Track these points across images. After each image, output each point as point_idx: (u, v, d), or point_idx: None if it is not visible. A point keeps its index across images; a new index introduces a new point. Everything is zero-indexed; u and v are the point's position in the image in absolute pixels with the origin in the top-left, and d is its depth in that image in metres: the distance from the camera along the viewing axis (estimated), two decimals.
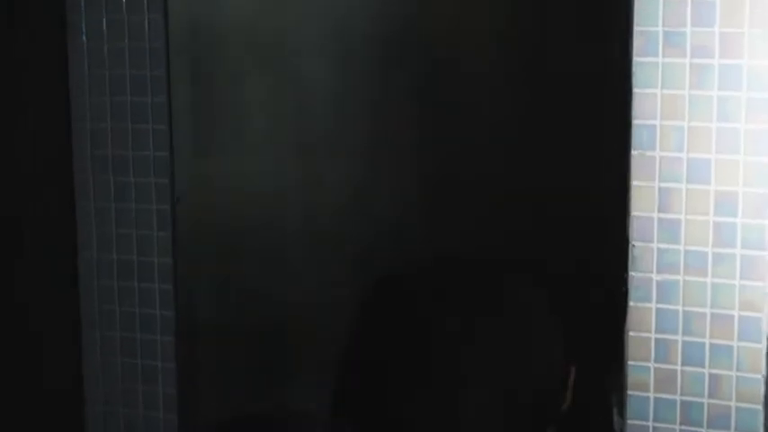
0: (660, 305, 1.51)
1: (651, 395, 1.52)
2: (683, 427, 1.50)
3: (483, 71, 1.80)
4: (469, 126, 1.81)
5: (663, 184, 1.49)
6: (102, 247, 1.85)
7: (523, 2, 1.71)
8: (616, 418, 1.54)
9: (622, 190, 1.50)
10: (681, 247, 1.49)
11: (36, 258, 1.87)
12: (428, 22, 1.85)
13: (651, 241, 1.50)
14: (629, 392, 1.53)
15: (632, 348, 1.52)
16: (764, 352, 1.46)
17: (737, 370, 1.47)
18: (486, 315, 1.30)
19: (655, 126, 1.48)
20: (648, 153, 1.49)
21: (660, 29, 1.47)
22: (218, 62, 2.29)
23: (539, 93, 1.70)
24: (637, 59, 1.48)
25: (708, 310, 1.49)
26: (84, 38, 1.81)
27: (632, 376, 1.52)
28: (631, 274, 1.51)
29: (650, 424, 1.52)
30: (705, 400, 1.49)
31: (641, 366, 1.52)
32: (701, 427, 1.49)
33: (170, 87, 1.78)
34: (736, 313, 1.47)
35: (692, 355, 1.49)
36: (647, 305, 1.51)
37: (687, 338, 1.50)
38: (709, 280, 1.48)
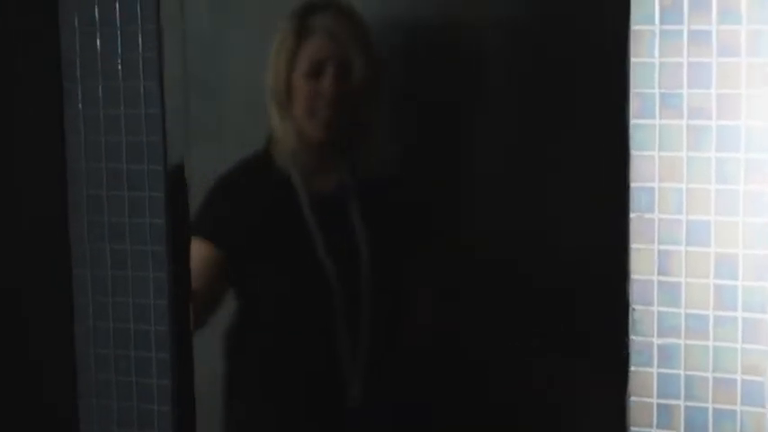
0: (662, 369, 1.49)
1: None
2: None
3: (480, 134, 1.79)
4: (467, 191, 1.80)
5: (662, 247, 1.47)
6: (99, 315, 1.84)
7: (521, 62, 1.70)
8: None
9: (622, 253, 1.49)
10: (681, 311, 1.47)
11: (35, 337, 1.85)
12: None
13: (651, 305, 1.48)
14: None
15: (634, 414, 1.50)
16: None
17: None
18: None
19: (653, 188, 1.47)
20: (647, 215, 1.48)
21: (657, 91, 1.46)
22: (217, 122, 2.28)
23: (536, 155, 1.69)
24: (634, 122, 1.47)
25: (710, 375, 1.47)
26: (80, 105, 1.81)
27: None
28: (632, 337, 1.49)
29: None
30: None
31: None
32: None
33: (166, 154, 1.78)
34: (738, 377, 1.45)
35: (695, 421, 1.47)
36: (649, 369, 1.49)
37: (690, 403, 1.48)
38: (710, 343, 1.46)
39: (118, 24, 1.79)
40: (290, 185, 2.55)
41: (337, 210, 2.56)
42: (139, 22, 1.79)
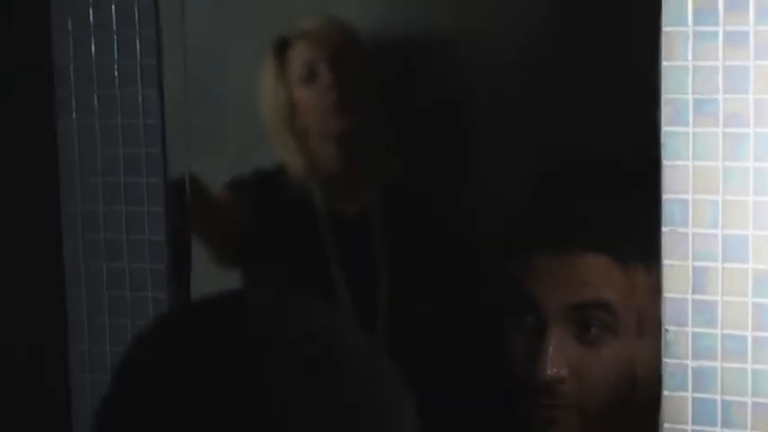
0: (696, 394, 1.41)
1: None
2: None
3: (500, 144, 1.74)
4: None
5: (697, 263, 1.40)
6: (95, 338, 1.79)
7: (542, 65, 1.65)
8: None
9: (654, 270, 1.42)
10: (718, 331, 1.40)
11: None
12: None
13: (686, 325, 1.41)
14: None
15: None
16: None
17: None
18: None
19: (687, 201, 1.40)
20: (680, 229, 1.41)
21: (690, 96, 1.39)
22: (219, 136, 2.25)
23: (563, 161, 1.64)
24: (666, 129, 1.40)
25: (749, 399, 1.39)
26: (74, 114, 1.77)
27: None
28: (665, 360, 1.42)
29: None
30: None
31: None
32: None
33: (166, 166, 1.74)
34: None
35: None
36: (683, 394, 1.42)
37: (727, 430, 1.40)
38: (749, 366, 1.39)
39: (114, 29, 1.75)
40: (309, 204, 2.51)
41: (358, 234, 2.52)
42: (137, 27, 1.75)
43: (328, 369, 0.91)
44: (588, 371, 1.50)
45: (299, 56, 2.46)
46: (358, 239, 2.45)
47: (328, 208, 2.50)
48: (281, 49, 2.40)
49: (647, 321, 1.49)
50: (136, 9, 1.74)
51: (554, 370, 1.49)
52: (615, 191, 1.54)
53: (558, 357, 1.49)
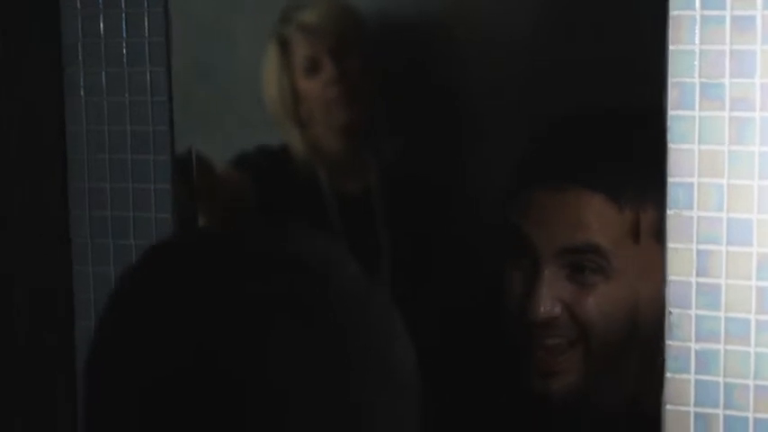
0: (699, 376, 1.42)
1: None
2: None
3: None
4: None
5: (701, 246, 1.40)
6: None
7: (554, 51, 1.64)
8: None
9: (651, 216, 1.43)
10: (721, 314, 1.40)
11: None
12: None
13: (689, 308, 1.42)
14: None
15: (670, 424, 1.43)
16: None
17: None
18: None
19: (692, 184, 1.40)
20: (685, 213, 1.40)
21: (697, 80, 1.39)
22: (226, 115, 2.24)
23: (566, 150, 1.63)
24: (672, 113, 1.40)
25: (751, 382, 1.39)
26: (82, 92, 1.76)
27: None
28: (668, 343, 1.42)
29: None
30: None
31: None
32: None
33: (173, 144, 1.73)
34: None
35: (735, 431, 1.40)
36: (686, 376, 1.42)
37: (729, 412, 1.40)
38: (752, 349, 1.39)
39: (123, 7, 1.74)
40: (314, 183, 2.51)
41: (363, 215, 2.52)
42: (146, 5, 1.73)
43: (320, 296, 0.90)
44: (583, 310, 1.51)
45: (302, 48, 2.45)
46: (362, 216, 2.45)
47: (332, 187, 2.50)
48: (284, 41, 2.40)
49: (644, 267, 1.50)
50: None
51: (546, 308, 1.50)
52: (614, 135, 1.55)
53: (549, 296, 1.50)
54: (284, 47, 2.45)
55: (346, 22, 2.49)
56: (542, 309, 1.50)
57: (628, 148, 1.52)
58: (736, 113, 1.38)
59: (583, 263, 1.50)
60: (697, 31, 1.39)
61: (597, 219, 1.51)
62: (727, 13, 1.37)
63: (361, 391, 0.88)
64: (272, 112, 2.48)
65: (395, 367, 0.91)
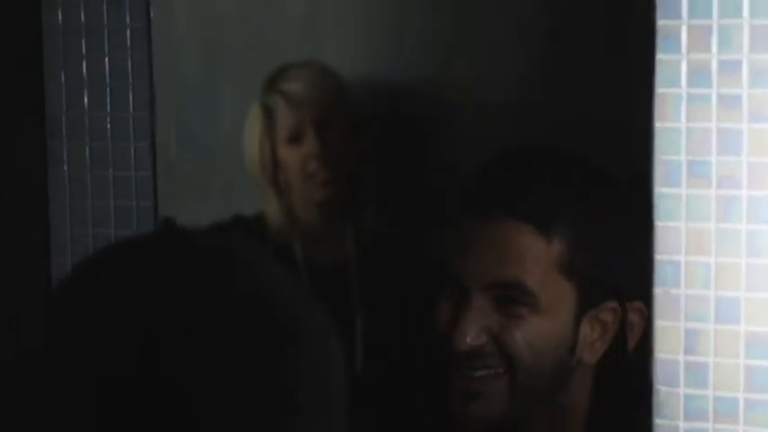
0: None
1: None
2: None
3: None
4: None
5: (689, 324, 1.39)
6: None
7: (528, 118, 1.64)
8: None
9: (646, 331, 1.42)
10: (709, 393, 1.39)
11: None
12: None
13: (677, 386, 1.40)
14: None
15: None
16: None
17: None
18: None
19: (679, 262, 1.39)
20: (673, 291, 1.40)
21: (684, 158, 1.39)
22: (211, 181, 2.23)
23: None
24: (659, 190, 1.39)
25: None
26: (65, 166, 1.76)
27: None
28: (657, 421, 1.41)
29: None
30: None
31: None
32: None
33: (157, 219, 1.73)
34: None
35: None
36: None
37: None
38: (741, 428, 1.38)
39: (107, 82, 1.74)
40: (288, 254, 2.49)
41: (337, 285, 2.50)
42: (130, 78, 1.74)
43: (258, 301, 0.91)
44: (511, 341, 1.49)
45: (285, 118, 2.45)
46: (335, 287, 2.44)
47: (306, 258, 2.49)
48: (268, 108, 2.40)
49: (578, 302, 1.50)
50: (129, 62, 1.73)
51: (471, 339, 1.48)
52: (551, 170, 1.55)
53: (475, 327, 1.49)
54: (268, 113, 2.45)
55: (331, 94, 2.48)
56: (468, 338, 1.48)
57: (562, 181, 1.53)
58: (723, 191, 1.37)
59: (510, 296, 1.49)
60: (683, 109, 1.39)
61: (525, 253, 1.49)
62: (714, 91, 1.38)
63: (300, 398, 0.90)
64: (251, 173, 2.48)
65: (329, 375, 0.93)
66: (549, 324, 1.50)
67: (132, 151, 1.74)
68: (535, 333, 1.49)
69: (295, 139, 2.45)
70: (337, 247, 2.51)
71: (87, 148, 1.75)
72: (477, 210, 1.52)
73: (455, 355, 1.50)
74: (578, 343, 1.52)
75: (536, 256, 1.49)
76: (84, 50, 1.74)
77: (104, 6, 1.74)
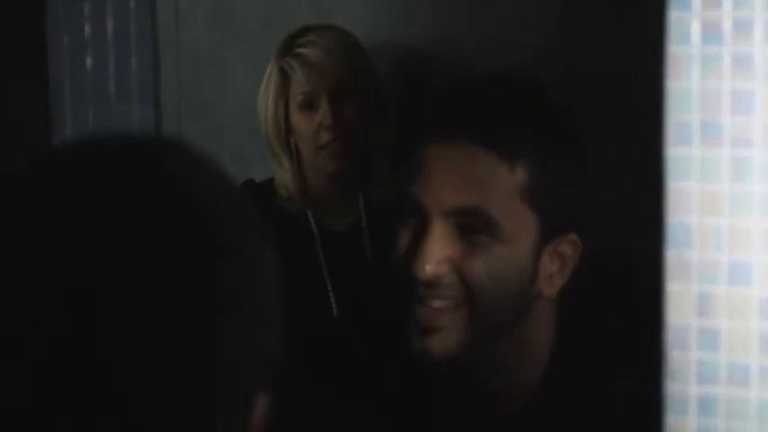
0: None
1: None
2: None
3: None
4: None
5: (702, 287, 1.38)
6: None
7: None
8: None
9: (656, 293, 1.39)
10: (722, 357, 1.38)
11: None
12: None
13: (689, 350, 1.38)
14: None
15: None
16: None
17: None
18: None
19: (691, 224, 1.38)
20: (685, 253, 1.38)
21: (696, 118, 1.36)
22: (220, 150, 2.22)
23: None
24: (671, 151, 1.37)
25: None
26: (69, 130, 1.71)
27: None
28: (669, 385, 1.39)
29: None
30: None
31: None
32: None
33: None
34: None
35: None
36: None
37: None
38: (754, 393, 1.36)
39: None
40: (303, 221, 2.47)
41: (350, 250, 2.49)
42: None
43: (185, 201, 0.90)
44: (471, 271, 1.47)
45: (300, 83, 2.42)
46: (347, 251, 2.43)
47: (318, 222, 2.48)
48: (284, 71, 2.37)
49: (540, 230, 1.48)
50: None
51: (431, 266, 1.46)
52: (514, 99, 1.54)
53: (436, 254, 1.46)
54: (284, 76, 2.42)
55: (349, 64, 2.44)
56: (428, 266, 1.46)
57: (525, 110, 1.51)
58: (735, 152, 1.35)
59: (471, 224, 1.47)
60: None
61: (487, 179, 1.47)
62: (727, 51, 1.35)
63: (227, 297, 0.90)
64: (264, 134, 2.46)
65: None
66: (511, 254, 1.48)
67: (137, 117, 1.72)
68: (496, 262, 1.47)
69: (309, 105, 2.43)
70: (349, 212, 2.51)
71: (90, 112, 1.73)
72: (440, 136, 1.50)
73: (415, 284, 1.48)
74: (538, 275, 1.50)
75: (499, 184, 1.47)
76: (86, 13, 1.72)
77: None
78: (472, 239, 1.47)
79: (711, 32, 1.35)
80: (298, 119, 2.41)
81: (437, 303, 1.47)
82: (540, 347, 1.54)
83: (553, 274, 1.51)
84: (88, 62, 1.72)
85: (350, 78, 2.43)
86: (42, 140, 1.73)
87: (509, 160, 1.46)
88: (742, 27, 1.34)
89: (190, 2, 2.65)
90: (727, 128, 1.35)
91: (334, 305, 2.43)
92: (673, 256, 1.38)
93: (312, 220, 2.46)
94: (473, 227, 1.46)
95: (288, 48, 2.43)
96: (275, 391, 0.94)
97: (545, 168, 1.48)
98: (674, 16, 1.35)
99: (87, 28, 1.71)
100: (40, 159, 0.93)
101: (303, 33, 2.44)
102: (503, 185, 1.46)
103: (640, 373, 1.46)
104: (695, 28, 1.35)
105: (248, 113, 2.56)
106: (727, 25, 1.34)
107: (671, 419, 1.39)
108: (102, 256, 0.84)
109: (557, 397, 1.53)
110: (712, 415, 1.38)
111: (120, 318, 0.84)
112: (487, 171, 1.46)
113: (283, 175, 2.45)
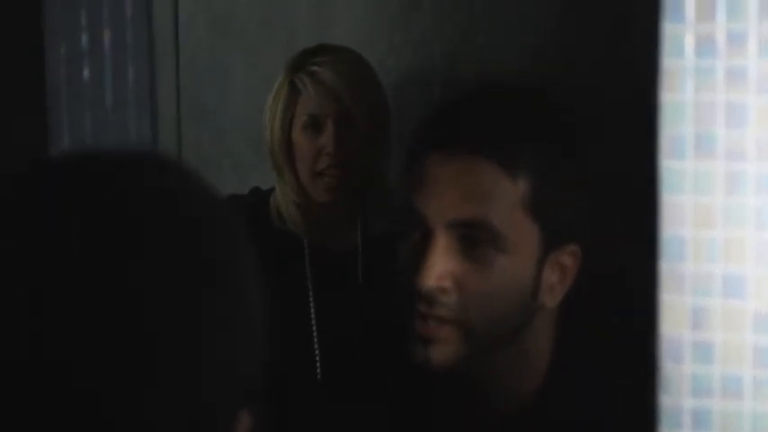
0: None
1: None
2: None
3: None
4: None
5: (695, 300, 1.38)
6: None
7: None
8: None
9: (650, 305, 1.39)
10: (716, 370, 1.38)
11: None
12: None
13: (683, 363, 1.38)
14: None
15: None
16: None
17: None
18: None
19: (685, 236, 1.38)
20: (679, 266, 1.38)
21: (690, 131, 1.36)
22: (221, 158, 2.21)
23: None
24: (665, 163, 1.37)
25: None
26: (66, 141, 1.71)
27: None
28: (662, 398, 1.39)
29: None
30: None
31: None
32: None
33: None
34: None
35: None
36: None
37: None
38: (748, 405, 1.37)
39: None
40: (298, 240, 2.46)
41: (342, 273, 2.47)
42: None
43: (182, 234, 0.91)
44: (474, 285, 1.47)
45: (308, 103, 2.38)
46: (338, 274, 2.41)
47: (311, 244, 2.45)
48: (295, 87, 2.33)
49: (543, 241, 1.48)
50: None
51: (434, 280, 1.46)
52: (516, 109, 1.54)
53: (439, 268, 1.46)
54: (293, 91, 2.39)
55: (361, 89, 2.40)
56: (431, 279, 1.46)
57: (527, 120, 1.51)
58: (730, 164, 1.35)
59: (475, 236, 1.47)
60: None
61: (489, 191, 1.47)
62: (720, 63, 1.35)
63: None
64: (267, 146, 2.45)
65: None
66: (514, 265, 1.48)
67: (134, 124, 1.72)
68: (499, 275, 1.47)
69: (313, 126, 2.39)
70: (347, 235, 2.48)
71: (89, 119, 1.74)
72: (441, 147, 1.50)
73: (417, 296, 1.47)
74: (540, 286, 1.50)
75: (501, 195, 1.47)
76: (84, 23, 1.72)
77: None
78: (475, 252, 1.47)
79: (705, 45, 1.35)
80: (300, 139, 2.37)
81: (438, 315, 1.47)
82: (540, 357, 1.55)
83: (554, 284, 1.51)
84: (85, 71, 1.72)
85: (361, 107, 2.38)
86: (39, 150, 1.73)
87: (511, 171, 1.46)
88: (736, 40, 1.34)
89: (190, 9, 2.65)
90: (721, 141, 1.35)
91: (314, 325, 2.41)
92: (667, 268, 1.38)
93: (305, 241, 2.43)
94: (476, 238, 1.46)
95: (302, 63, 2.38)
96: (261, 407, 0.95)
97: (547, 179, 1.48)
98: (667, 29, 1.35)
99: (84, 37, 1.71)
100: (23, 176, 0.94)
101: (319, 51, 2.38)
102: (505, 197, 1.46)
103: (637, 384, 1.46)
104: (689, 40, 1.35)
105: (248, 120, 2.56)
106: (721, 38, 1.34)
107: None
108: (86, 271, 0.85)
109: (555, 405, 1.54)
110: (706, 428, 1.38)
111: (101, 332, 0.84)
112: (490, 182, 1.46)
113: (283, 188, 2.42)
